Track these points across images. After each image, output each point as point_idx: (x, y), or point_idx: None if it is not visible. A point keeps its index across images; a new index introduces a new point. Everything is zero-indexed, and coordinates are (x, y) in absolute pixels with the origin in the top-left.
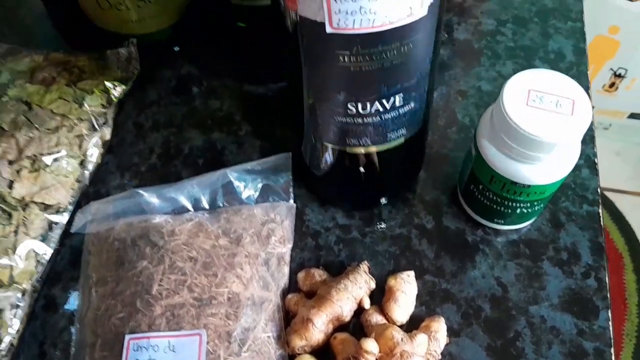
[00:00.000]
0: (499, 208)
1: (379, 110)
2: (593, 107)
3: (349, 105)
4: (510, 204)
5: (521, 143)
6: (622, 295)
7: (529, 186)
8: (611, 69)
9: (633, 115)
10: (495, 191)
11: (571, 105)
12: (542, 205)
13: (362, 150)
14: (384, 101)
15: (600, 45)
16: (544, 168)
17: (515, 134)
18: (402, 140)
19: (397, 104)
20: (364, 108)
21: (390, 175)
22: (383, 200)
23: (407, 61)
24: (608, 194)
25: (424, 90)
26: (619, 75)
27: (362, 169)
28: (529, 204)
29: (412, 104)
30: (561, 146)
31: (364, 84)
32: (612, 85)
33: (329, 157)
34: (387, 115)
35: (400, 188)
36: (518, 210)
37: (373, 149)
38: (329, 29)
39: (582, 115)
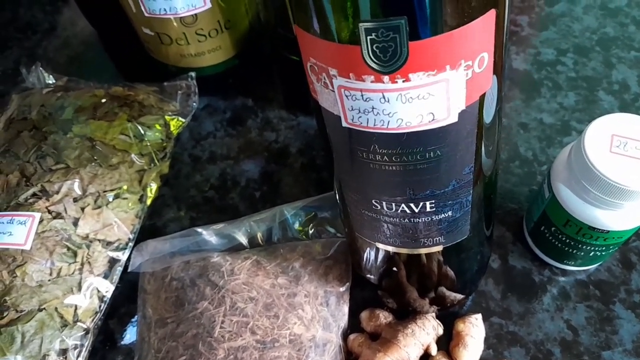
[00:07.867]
0: (571, 250)
1: (406, 212)
2: None
3: (374, 202)
4: (584, 247)
5: (605, 191)
6: None
7: (608, 232)
8: None
9: None
10: (570, 235)
11: None
12: (616, 248)
13: (392, 249)
14: (412, 205)
15: None
16: (625, 214)
17: (599, 181)
18: (439, 247)
19: (428, 209)
20: (389, 208)
21: (427, 281)
22: (431, 310)
23: (436, 168)
24: None
25: (465, 200)
26: None
27: (394, 269)
28: (604, 248)
29: (450, 213)
30: None
31: (387, 184)
32: None
33: (362, 247)
34: (418, 219)
35: (443, 296)
36: (591, 253)
37: (404, 251)
38: (344, 124)
39: None
